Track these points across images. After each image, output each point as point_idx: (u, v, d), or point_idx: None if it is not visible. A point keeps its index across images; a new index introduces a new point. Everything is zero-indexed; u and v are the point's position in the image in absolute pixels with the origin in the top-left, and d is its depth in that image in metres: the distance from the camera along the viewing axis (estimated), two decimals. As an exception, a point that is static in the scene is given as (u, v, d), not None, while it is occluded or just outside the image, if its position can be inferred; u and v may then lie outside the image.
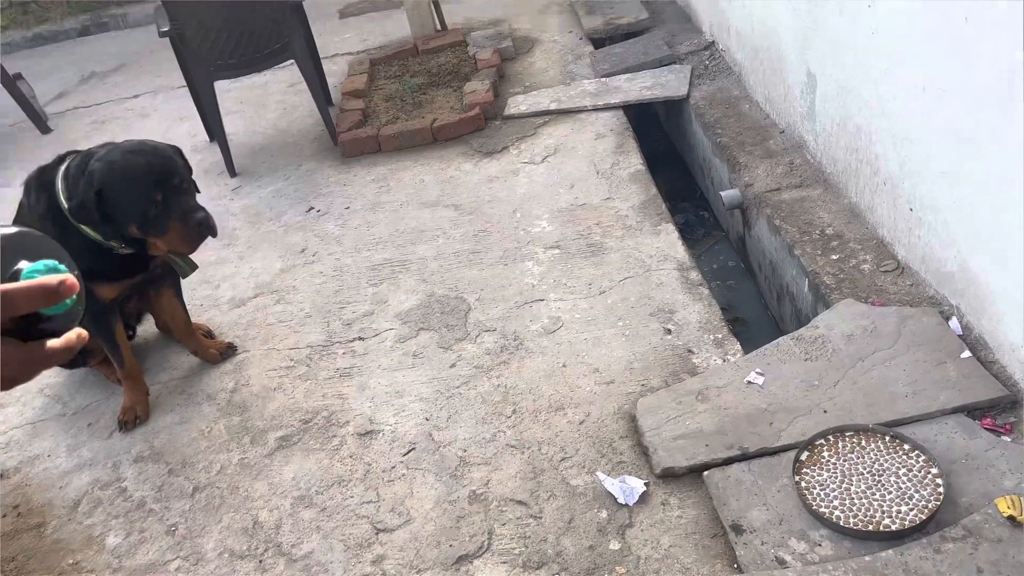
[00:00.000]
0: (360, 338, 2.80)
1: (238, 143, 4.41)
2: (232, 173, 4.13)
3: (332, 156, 4.10)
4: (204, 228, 2.35)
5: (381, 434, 2.39)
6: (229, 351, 2.84)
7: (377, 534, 2.09)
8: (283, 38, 4.00)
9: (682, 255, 2.86)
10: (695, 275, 2.75)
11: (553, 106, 4.01)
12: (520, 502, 2.08)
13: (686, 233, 3.64)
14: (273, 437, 2.46)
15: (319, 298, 3.05)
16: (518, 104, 4.11)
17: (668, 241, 2.94)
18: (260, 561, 2.09)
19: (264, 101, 4.96)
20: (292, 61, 4.14)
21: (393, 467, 2.27)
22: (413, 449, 2.31)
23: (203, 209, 2.37)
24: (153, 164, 2.29)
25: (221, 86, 4.24)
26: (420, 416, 2.41)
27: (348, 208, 3.62)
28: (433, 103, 4.30)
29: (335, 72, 5.03)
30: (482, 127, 4.00)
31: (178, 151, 2.44)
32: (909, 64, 2.24)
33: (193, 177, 2.45)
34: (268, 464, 2.37)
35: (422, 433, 2.35)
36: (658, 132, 4.54)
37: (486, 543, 1.99)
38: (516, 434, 2.28)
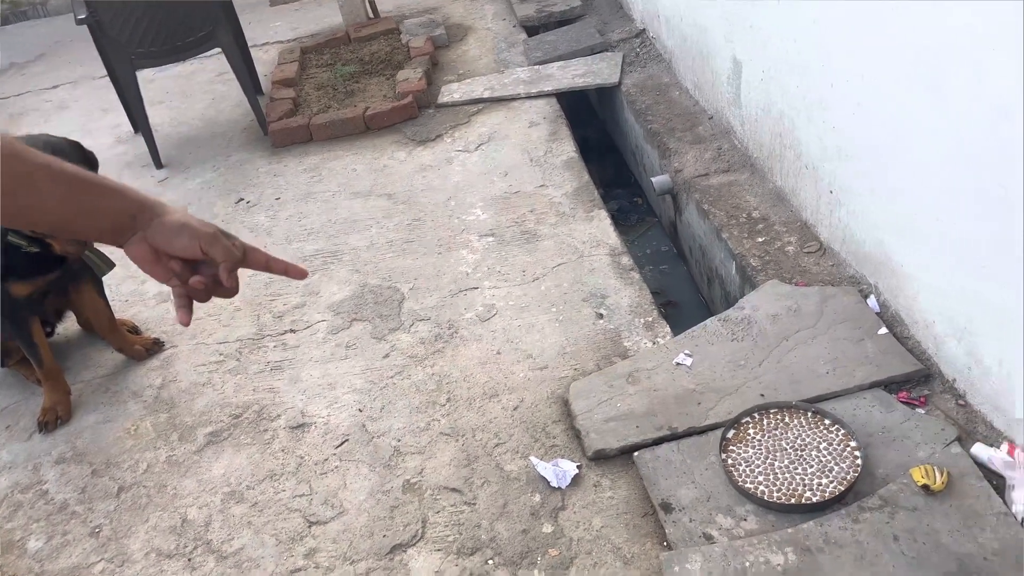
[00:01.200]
0: (292, 330, 2.75)
1: (164, 134, 4.29)
2: (158, 165, 4.01)
3: (262, 146, 4.02)
4: None
5: (314, 426, 2.35)
6: (156, 347, 2.77)
7: (310, 527, 2.06)
8: (208, 25, 3.89)
9: (614, 241, 2.89)
10: (627, 260, 2.78)
11: (487, 94, 4.00)
12: (454, 489, 2.07)
13: (620, 219, 3.68)
14: (202, 433, 2.41)
15: (249, 291, 2.98)
16: (452, 92, 4.09)
17: (600, 227, 2.97)
18: (189, 559, 2.04)
19: (191, 91, 4.83)
20: (219, 49, 4.03)
21: (326, 459, 2.24)
22: (346, 441, 2.28)
23: None
24: None
25: (146, 75, 4.12)
26: (353, 407, 2.39)
27: (279, 199, 3.55)
28: (365, 92, 4.25)
29: (265, 61, 4.92)
30: (415, 116, 3.97)
31: (76, 146, 2.36)
32: (828, 50, 2.30)
33: (104, 173, 2.36)
34: (197, 461, 2.32)
35: (355, 424, 2.33)
36: (592, 119, 4.57)
37: (420, 531, 1.98)
38: (450, 422, 2.27)
